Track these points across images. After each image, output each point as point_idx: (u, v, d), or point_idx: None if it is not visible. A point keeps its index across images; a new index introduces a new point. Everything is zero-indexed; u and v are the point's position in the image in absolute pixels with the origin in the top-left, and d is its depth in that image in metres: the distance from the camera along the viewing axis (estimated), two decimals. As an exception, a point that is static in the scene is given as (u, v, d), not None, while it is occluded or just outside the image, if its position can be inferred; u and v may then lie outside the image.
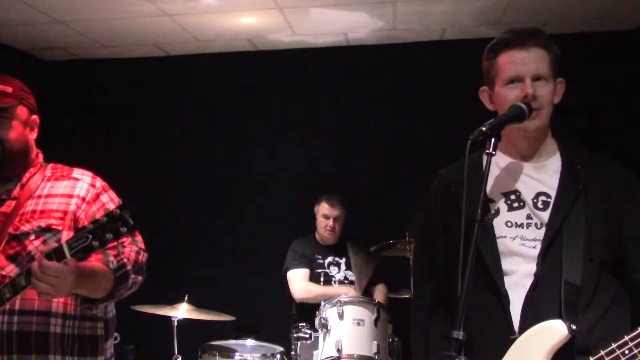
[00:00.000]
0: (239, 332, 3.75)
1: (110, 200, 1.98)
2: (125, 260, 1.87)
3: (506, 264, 1.69)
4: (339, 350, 3.28)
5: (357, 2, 3.93)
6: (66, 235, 1.87)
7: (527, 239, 1.70)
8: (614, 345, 1.51)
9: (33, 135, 1.99)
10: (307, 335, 3.52)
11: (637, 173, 1.77)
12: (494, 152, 1.60)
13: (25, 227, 1.86)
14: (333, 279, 4.04)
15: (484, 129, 1.59)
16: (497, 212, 1.73)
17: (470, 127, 1.60)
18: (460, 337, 1.46)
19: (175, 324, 3.54)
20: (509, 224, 1.73)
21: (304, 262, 4.06)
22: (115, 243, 1.74)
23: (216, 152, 4.87)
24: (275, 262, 4.19)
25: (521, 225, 1.72)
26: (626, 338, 1.50)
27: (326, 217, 4.11)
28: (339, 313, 3.38)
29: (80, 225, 1.89)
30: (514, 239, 1.71)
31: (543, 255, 1.66)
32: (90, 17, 4.11)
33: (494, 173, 1.77)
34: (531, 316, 1.62)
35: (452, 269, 1.76)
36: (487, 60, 1.78)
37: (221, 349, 3.48)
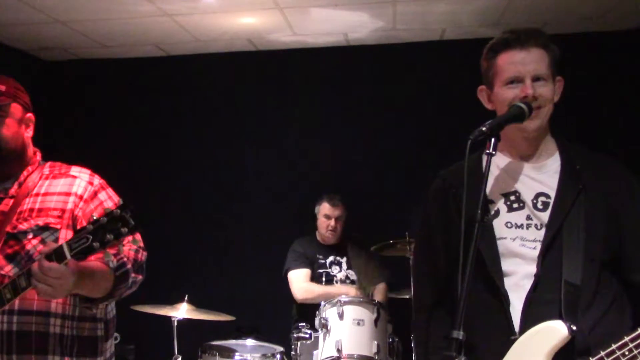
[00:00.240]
0: (239, 332, 3.75)
1: (108, 198, 1.97)
2: (125, 259, 1.85)
3: (506, 265, 1.69)
4: (339, 350, 3.28)
5: (357, 2, 3.93)
6: (64, 233, 1.86)
7: (527, 240, 1.70)
8: (614, 346, 1.51)
9: (29, 133, 1.98)
10: (307, 335, 3.52)
11: (637, 173, 1.77)
12: (494, 152, 1.59)
13: (23, 226, 1.85)
14: (335, 278, 4.04)
15: (484, 129, 1.58)
16: (497, 212, 1.73)
17: (470, 127, 1.60)
18: (460, 337, 1.45)
19: (175, 324, 3.54)
20: (509, 224, 1.72)
21: (305, 262, 4.06)
22: (127, 240, 1.74)
23: (216, 152, 4.87)
24: (276, 262, 4.19)
25: (521, 226, 1.72)
26: (626, 339, 1.50)
27: (328, 217, 4.12)
28: (339, 313, 3.38)
29: (78, 224, 1.88)
30: (514, 239, 1.71)
31: (543, 256, 1.66)
32: (90, 17, 4.11)
33: (493, 173, 1.77)
34: (531, 317, 1.62)
35: (452, 270, 1.76)
36: (487, 60, 1.77)
37: (221, 349, 3.48)
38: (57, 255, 1.62)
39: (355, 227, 4.26)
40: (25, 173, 1.95)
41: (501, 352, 1.61)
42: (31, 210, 1.88)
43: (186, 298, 3.58)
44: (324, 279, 4.03)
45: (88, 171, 2.01)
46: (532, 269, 1.67)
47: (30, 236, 1.84)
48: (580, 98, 3.93)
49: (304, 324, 3.63)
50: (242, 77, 4.88)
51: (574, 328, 1.55)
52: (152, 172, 4.79)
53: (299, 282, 4.00)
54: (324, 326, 3.40)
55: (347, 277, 4.05)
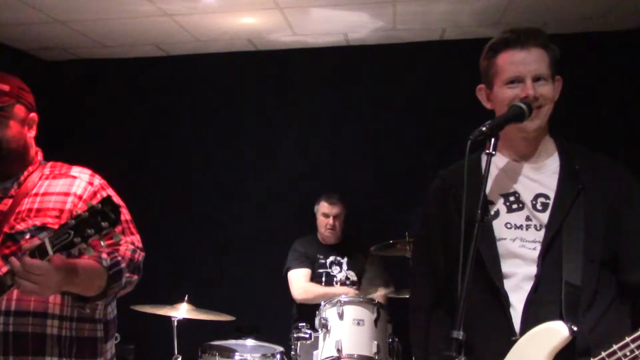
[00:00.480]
0: (239, 332, 3.75)
1: None
2: (119, 258, 1.83)
3: (506, 267, 1.69)
4: (339, 350, 3.28)
5: (357, 2, 3.92)
6: None
7: (526, 241, 1.70)
8: (615, 347, 1.50)
9: (31, 134, 1.97)
10: (307, 335, 3.52)
11: (637, 173, 1.77)
12: (494, 152, 1.59)
13: (21, 226, 1.84)
14: (335, 278, 4.04)
15: (484, 129, 1.58)
16: (497, 213, 1.73)
17: (470, 127, 1.60)
18: (460, 337, 1.45)
19: (175, 324, 3.54)
20: (509, 225, 1.72)
21: (305, 262, 4.07)
22: (110, 242, 1.72)
23: (216, 152, 4.87)
24: (276, 262, 4.19)
25: (520, 227, 1.71)
26: (627, 339, 1.50)
27: (326, 215, 4.12)
28: (339, 313, 3.38)
29: None
30: (513, 240, 1.71)
31: (543, 256, 1.66)
32: (90, 17, 4.11)
33: (492, 174, 1.76)
34: (532, 318, 1.62)
35: (452, 270, 1.76)
36: (487, 59, 1.77)
37: (221, 349, 3.48)
38: (39, 251, 1.60)
39: (355, 227, 4.27)
40: (25, 173, 1.94)
41: (501, 353, 1.61)
42: (29, 210, 1.87)
43: (186, 298, 3.58)
44: (324, 279, 4.03)
45: (89, 171, 2.00)
46: (532, 270, 1.67)
47: (28, 236, 1.82)
48: (580, 98, 3.93)
49: (304, 324, 3.63)
50: (242, 77, 4.88)
51: (575, 329, 1.55)
52: (152, 172, 4.79)
53: (299, 281, 4.00)
54: (324, 326, 3.40)
55: (347, 277, 4.05)
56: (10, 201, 1.89)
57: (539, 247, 1.67)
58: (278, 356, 3.48)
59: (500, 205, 1.75)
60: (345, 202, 4.18)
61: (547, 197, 1.71)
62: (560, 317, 1.57)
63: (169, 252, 4.48)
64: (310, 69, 4.78)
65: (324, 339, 3.40)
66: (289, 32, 4.44)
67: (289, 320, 4.06)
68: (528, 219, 1.71)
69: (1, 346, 1.79)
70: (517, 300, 1.66)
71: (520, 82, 1.69)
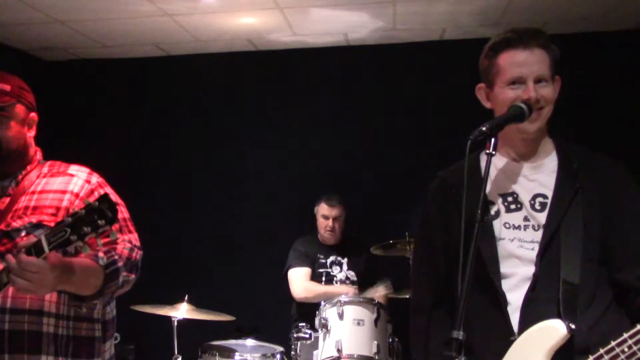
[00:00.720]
0: (239, 332, 3.75)
1: None
2: (116, 257, 1.81)
3: (505, 267, 1.69)
4: (339, 350, 3.28)
5: (357, 2, 3.92)
6: None
7: (525, 241, 1.70)
8: (613, 343, 1.51)
9: (31, 134, 1.97)
10: (307, 335, 3.52)
11: (637, 173, 1.77)
12: (494, 152, 1.59)
13: (17, 224, 1.84)
14: (335, 278, 4.04)
15: (484, 129, 1.58)
16: (497, 213, 1.73)
17: (470, 127, 1.60)
18: (460, 337, 1.45)
19: (175, 324, 3.55)
20: (507, 225, 1.73)
21: (306, 261, 4.07)
22: (106, 240, 1.71)
23: (216, 152, 4.87)
24: (276, 262, 4.20)
25: (519, 227, 1.72)
26: (625, 336, 1.50)
27: (325, 217, 4.12)
28: (339, 313, 3.38)
29: None
30: (512, 240, 1.71)
31: (541, 256, 1.66)
32: (90, 17, 4.11)
33: (491, 174, 1.76)
34: (530, 317, 1.62)
35: (451, 270, 1.76)
36: (487, 59, 1.76)
37: (221, 349, 3.48)
38: (35, 249, 1.59)
39: (355, 227, 4.27)
40: (23, 172, 1.94)
41: (500, 353, 1.61)
42: (26, 208, 1.87)
43: (186, 298, 3.58)
44: (324, 278, 4.03)
45: (87, 170, 2.00)
46: (530, 270, 1.67)
47: (24, 234, 1.82)
48: (580, 98, 3.93)
49: (304, 324, 3.63)
50: (242, 77, 4.88)
51: (573, 327, 1.55)
52: (152, 172, 4.79)
53: (299, 280, 4.00)
54: (324, 326, 3.40)
55: (347, 277, 4.05)
56: (7, 199, 1.89)
57: (537, 247, 1.68)
58: (278, 356, 3.48)
59: (499, 205, 1.75)
60: (345, 204, 4.18)
61: (545, 196, 1.72)
62: (559, 316, 1.58)
63: (169, 252, 4.48)
64: (310, 69, 4.78)
65: (324, 339, 3.40)
66: (289, 32, 4.44)
67: (289, 320, 4.06)
68: (526, 219, 1.72)
69: None
70: (516, 299, 1.66)
71: (522, 84, 1.68)
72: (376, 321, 3.37)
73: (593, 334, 1.59)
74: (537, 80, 1.68)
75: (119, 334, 4.23)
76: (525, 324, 1.62)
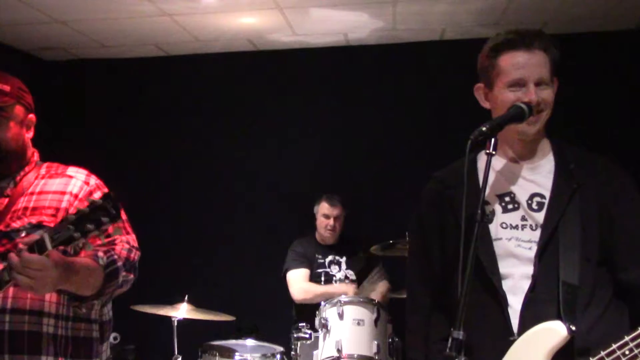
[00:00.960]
0: (239, 332, 3.75)
1: None
2: (115, 257, 1.82)
3: (503, 267, 1.69)
4: (339, 350, 3.28)
5: (357, 2, 3.92)
6: None
7: (522, 241, 1.70)
8: (614, 346, 1.50)
9: (29, 135, 1.97)
10: (307, 335, 3.52)
11: (637, 173, 1.77)
12: (494, 152, 1.59)
13: (16, 224, 1.84)
14: (334, 278, 4.04)
15: (484, 129, 1.58)
16: (493, 213, 1.73)
17: (470, 127, 1.60)
18: (460, 337, 1.45)
19: (175, 324, 3.55)
20: (504, 225, 1.73)
21: (304, 262, 4.06)
22: (109, 239, 1.71)
23: (216, 152, 4.87)
24: (276, 262, 4.19)
25: (516, 227, 1.72)
26: (627, 338, 1.50)
27: (326, 216, 4.12)
28: (339, 313, 3.38)
29: None
30: (509, 240, 1.71)
31: (539, 256, 1.66)
32: (90, 17, 4.11)
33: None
34: (530, 317, 1.62)
35: (448, 271, 1.76)
36: (488, 59, 1.75)
37: (221, 349, 3.48)
38: (38, 246, 1.59)
39: (355, 227, 4.27)
40: (21, 173, 1.94)
41: (500, 353, 1.61)
42: (25, 208, 1.87)
43: (186, 298, 3.58)
44: (322, 278, 4.03)
45: (85, 171, 2.00)
46: (529, 269, 1.67)
47: (23, 234, 1.81)
48: (580, 98, 3.94)
49: (304, 324, 3.63)
50: (242, 77, 4.88)
51: (573, 328, 1.55)
52: (152, 172, 4.79)
53: (298, 282, 4.00)
54: (324, 326, 3.40)
55: (346, 276, 4.05)
56: (6, 200, 1.89)
57: (534, 246, 1.68)
58: (278, 356, 3.48)
59: (495, 205, 1.75)
60: (345, 203, 4.18)
61: (542, 196, 1.72)
62: (558, 317, 1.58)
63: (169, 252, 4.48)
64: (310, 69, 4.78)
65: (324, 339, 3.40)
66: (289, 32, 4.44)
67: (289, 320, 4.06)
68: (523, 219, 1.72)
69: None
70: (515, 300, 1.66)
71: (522, 86, 1.68)
72: (376, 321, 3.37)
73: (592, 335, 1.60)
74: (538, 83, 1.68)
75: (119, 334, 4.26)
76: (524, 324, 1.62)
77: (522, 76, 1.68)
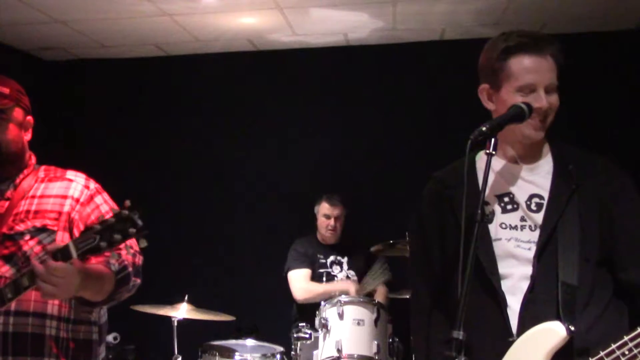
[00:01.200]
0: (239, 332, 3.75)
1: (104, 202, 1.97)
2: (126, 262, 1.86)
3: (502, 267, 1.69)
4: (339, 350, 3.28)
5: (357, 2, 3.93)
6: (61, 235, 1.87)
7: (521, 241, 1.70)
8: (613, 346, 1.50)
9: (27, 137, 1.99)
10: (307, 335, 3.52)
11: (637, 173, 1.77)
12: (494, 152, 1.59)
13: (20, 227, 1.85)
14: (335, 278, 4.04)
15: (484, 129, 1.58)
16: (493, 213, 1.73)
17: (470, 127, 1.60)
18: (461, 337, 1.45)
19: (175, 324, 3.55)
20: (503, 226, 1.72)
21: (305, 262, 4.06)
22: (123, 245, 1.73)
23: (216, 152, 4.87)
24: (276, 262, 4.19)
25: (515, 228, 1.71)
26: (626, 338, 1.50)
27: (327, 216, 4.12)
28: (339, 313, 3.38)
29: (75, 227, 1.89)
30: (509, 240, 1.71)
31: (538, 257, 1.66)
32: (90, 17, 4.11)
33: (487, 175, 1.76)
34: (529, 318, 1.62)
35: (449, 271, 1.76)
36: (498, 61, 1.71)
37: (221, 349, 3.48)
38: (62, 254, 1.61)
39: (355, 227, 4.27)
40: (21, 176, 1.95)
41: (499, 354, 1.61)
42: (27, 212, 1.88)
43: (186, 298, 3.58)
44: (324, 278, 4.03)
45: (83, 175, 2.02)
46: (528, 270, 1.67)
47: (28, 237, 1.84)
48: (580, 98, 3.93)
49: (304, 324, 3.63)
50: (242, 77, 4.88)
51: (572, 328, 1.55)
52: (151, 172, 4.79)
53: (299, 282, 4.00)
54: (324, 326, 3.40)
55: (347, 277, 4.05)
56: (6, 203, 1.90)
57: (533, 247, 1.68)
58: (278, 356, 3.48)
59: (494, 206, 1.75)
60: (345, 203, 4.18)
61: (541, 197, 1.72)
62: (558, 317, 1.58)
63: (169, 252, 4.47)
64: (310, 69, 4.78)
65: (324, 339, 3.40)
66: (289, 32, 4.44)
67: (289, 320, 4.06)
68: (523, 219, 1.72)
69: (1, 346, 1.79)
70: (514, 300, 1.66)
71: (533, 91, 1.66)
72: (376, 321, 3.36)
73: (591, 335, 1.60)
74: (546, 89, 1.67)
75: (119, 334, 4.26)
76: (524, 325, 1.62)
77: (533, 81, 1.66)
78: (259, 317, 4.09)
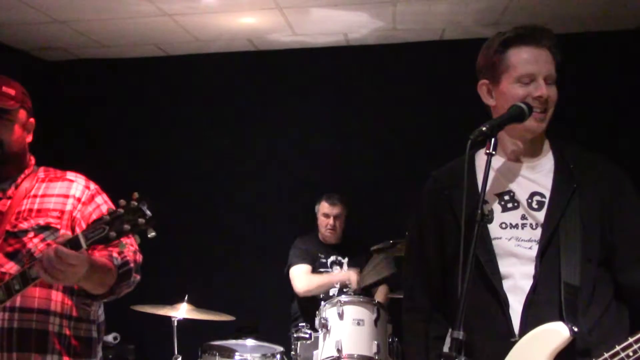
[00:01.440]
0: (239, 332, 3.75)
1: (104, 202, 2.01)
2: (128, 258, 1.90)
3: (503, 266, 1.69)
4: (339, 350, 3.28)
5: (357, 2, 3.92)
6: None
7: (522, 240, 1.69)
8: (618, 348, 1.50)
9: (29, 138, 2.02)
10: (307, 335, 3.52)
11: (637, 173, 1.77)
12: (494, 152, 1.59)
13: (24, 225, 1.89)
14: (336, 278, 4.03)
15: (484, 128, 1.58)
16: (492, 212, 1.72)
17: (470, 126, 1.60)
18: (461, 337, 1.45)
19: (175, 324, 3.54)
20: (504, 225, 1.72)
21: (307, 258, 4.06)
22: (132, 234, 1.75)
23: (216, 152, 4.87)
24: (276, 262, 4.19)
25: (516, 226, 1.71)
26: (630, 340, 1.50)
27: (326, 215, 4.12)
28: (339, 313, 3.37)
29: (77, 225, 1.92)
30: (509, 239, 1.70)
31: (540, 256, 1.66)
32: (90, 17, 4.11)
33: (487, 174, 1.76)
34: (531, 318, 1.61)
35: (447, 271, 1.76)
36: (496, 54, 1.72)
37: (221, 349, 3.48)
38: (72, 244, 1.64)
39: (355, 227, 4.26)
40: (22, 176, 1.98)
41: (501, 354, 1.61)
42: (30, 210, 1.92)
43: (186, 298, 3.58)
44: (324, 278, 4.02)
45: (83, 176, 2.06)
46: (529, 269, 1.66)
47: (32, 235, 1.87)
48: (580, 98, 3.94)
49: (304, 324, 3.63)
50: (242, 77, 4.87)
51: (575, 329, 1.54)
52: (151, 172, 4.79)
53: (301, 276, 3.99)
54: (324, 326, 3.40)
55: (348, 278, 4.05)
56: (8, 202, 1.93)
57: (535, 246, 1.67)
58: (278, 356, 3.48)
59: (494, 204, 1.74)
60: (346, 203, 4.18)
61: (542, 195, 1.71)
62: (560, 318, 1.57)
63: (169, 252, 4.47)
64: (310, 69, 4.77)
65: (324, 339, 3.40)
66: (289, 32, 4.44)
67: (289, 320, 4.06)
68: (523, 217, 1.71)
69: (6, 342, 1.82)
70: (516, 301, 1.66)
71: (532, 81, 1.67)
72: (376, 321, 3.36)
73: (593, 335, 1.60)
74: (546, 80, 1.68)
75: (119, 334, 4.26)
76: (526, 325, 1.61)
77: (532, 71, 1.67)
78: (259, 317, 4.09)
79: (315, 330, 3.49)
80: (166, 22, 4.20)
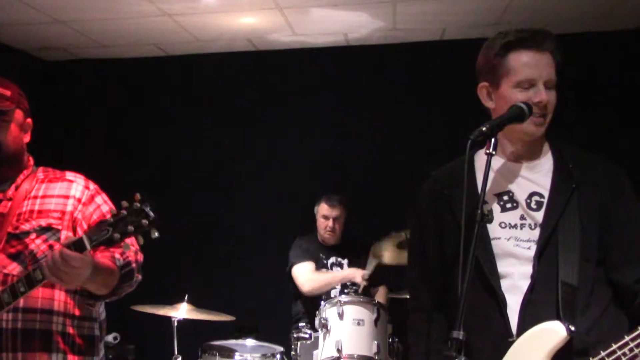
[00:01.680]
0: (239, 332, 3.75)
1: (104, 202, 2.02)
2: (130, 258, 1.91)
3: (501, 266, 1.69)
4: (339, 350, 3.28)
5: (357, 2, 3.92)
6: (65, 234, 1.90)
7: (521, 240, 1.69)
8: (614, 346, 1.50)
9: (27, 139, 2.03)
10: (307, 335, 3.52)
11: (637, 174, 1.77)
12: (494, 152, 1.59)
13: (25, 226, 1.89)
14: (336, 279, 4.03)
15: (484, 129, 1.58)
16: (491, 212, 1.72)
17: (470, 127, 1.60)
18: (460, 337, 1.45)
19: (175, 324, 3.55)
20: (503, 225, 1.72)
21: (308, 256, 4.05)
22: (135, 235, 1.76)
23: (216, 152, 4.87)
24: (276, 262, 4.19)
25: (515, 226, 1.71)
26: (627, 338, 1.50)
27: (326, 217, 4.11)
28: (339, 313, 3.38)
29: (78, 226, 1.92)
30: (508, 239, 1.70)
31: (539, 256, 1.66)
32: (90, 17, 4.11)
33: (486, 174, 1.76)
34: (529, 318, 1.62)
35: (447, 271, 1.76)
36: (496, 57, 1.72)
37: (221, 349, 3.48)
38: (76, 246, 1.65)
39: (355, 228, 4.26)
40: (21, 177, 1.99)
41: (499, 354, 1.61)
42: (31, 211, 1.92)
43: (186, 298, 3.58)
44: (325, 278, 4.02)
45: (82, 176, 2.06)
46: (527, 269, 1.66)
47: (34, 236, 1.88)
48: (580, 98, 3.94)
49: (304, 324, 3.63)
50: (242, 77, 4.87)
51: (573, 329, 1.55)
52: (151, 172, 4.79)
53: (305, 274, 3.96)
54: (324, 326, 3.40)
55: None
56: (9, 203, 1.94)
57: (533, 246, 1.67)
58: (278, 356, 3.48)
59: (494, 205, 1.74)
60: (345, 204, 4.17)
61: (541, 195, 1.71)
62: (558, 318, 1.57)
63: (169, 252, 4.47)
64: (310, 69, 4.77)
65: (324, 339, 3.40)
66: (289, 32, 4.44)
67: (289, 320, 4.06)
68: (522, 217, 1.71)
69: (10, 342, 1.83)
70: (514, 300, 1.66)
71: (532, 86, 1.67)
72: (376, 321, 3.36)
73: (591, 335, 1.60)
74: (546, 84, 1.67)
75: (119, 334, 4.26)
76: (524, 325, 1.62)
77: (532, 76, 1.66)
78: (259, 317, 4.08)
79: (315, 330, 3.49)
80: (166, 22, 4.20)
